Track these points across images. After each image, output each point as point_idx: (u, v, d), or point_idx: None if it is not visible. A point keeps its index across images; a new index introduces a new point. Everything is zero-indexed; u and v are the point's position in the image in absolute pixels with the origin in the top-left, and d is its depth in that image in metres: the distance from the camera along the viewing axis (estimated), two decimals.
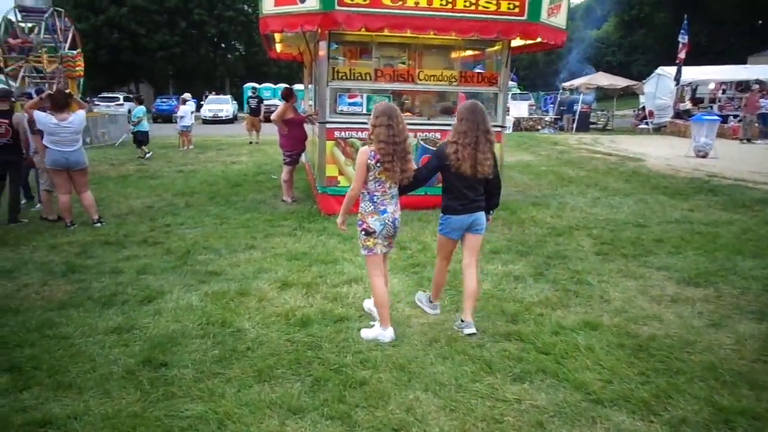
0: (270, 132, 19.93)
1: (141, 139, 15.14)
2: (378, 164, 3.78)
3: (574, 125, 25.62)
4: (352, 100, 7.87)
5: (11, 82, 18.87)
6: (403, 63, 9.63)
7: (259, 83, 44.34)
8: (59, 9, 20.63)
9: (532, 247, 6.37)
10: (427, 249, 6.26)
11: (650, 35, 48.11)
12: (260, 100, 20.24)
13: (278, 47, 11.55)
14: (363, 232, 3.95)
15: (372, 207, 3.90)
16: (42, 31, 18.94)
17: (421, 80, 7.99)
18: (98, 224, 7.41)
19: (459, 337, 4.00)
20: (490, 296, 4.85)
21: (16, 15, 19.42)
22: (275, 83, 45.05)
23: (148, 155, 14.98)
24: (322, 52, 7.60)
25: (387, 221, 3.92)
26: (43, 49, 18.80)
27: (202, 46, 49.92)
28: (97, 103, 34.09)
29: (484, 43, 8.44)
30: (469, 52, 9.53)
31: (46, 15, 19.02)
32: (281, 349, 3.80)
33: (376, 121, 3.81)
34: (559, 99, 29.03)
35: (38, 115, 7.02)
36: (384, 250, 4.01)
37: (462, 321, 4.09)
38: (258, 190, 10.15)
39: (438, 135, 8.08)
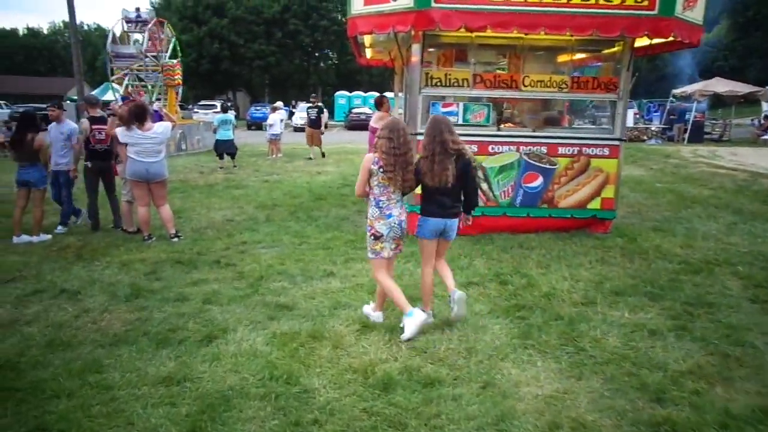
0: (325, 142, 19.51)
1: (217, 148, 14.74)
2: (380, 170, 4.08)
3: (686, 135, 23.34)
4: (446, 110, 7.02)
5: (116, 87, 19.78)
6: (502, 69, 8.70)
7: (350, 91, 44.73)
8: (162, 20, 21.42)
9: (664, 288, 5.21)
10: (533, 285, 5.28)
11: None
12: (321, 111, 17.25)
13: (368, 53, 10.91)
14: (372, 237, 4.22)
15: (378, 212, 4.17)
16: (145, 41, 19.67)
17: (526, 87, 7.00)
18: (175, 239, 7.03)
19: (588, 423, 3.03)
20: (621, 357, 3.81)
21: (123, 26, 20.36)
22: (366, 91, 45.18)
23: (220, 168, 14.40)
24: (415, 56, 6.81)
25: (393, 224, 4.18)
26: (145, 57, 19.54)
27: (296, 55, 51.06)
28: (196, 110, 35.54)
29: (601, 43, 7.31)
30: (581, 55, 8.38)
31: (150, 25, 19.74)
32: (356, 425, 3.00)
33: (380, 133, 4.13)
34: (668, 107, 26.63)
35: (119, 131, 6.77)
36: (391, 254, 4.27)
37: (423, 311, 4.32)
38: (342, 204, 9.52)
39: (544, 149, 7.06)
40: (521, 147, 7.02)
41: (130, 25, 20.30)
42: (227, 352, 3.84)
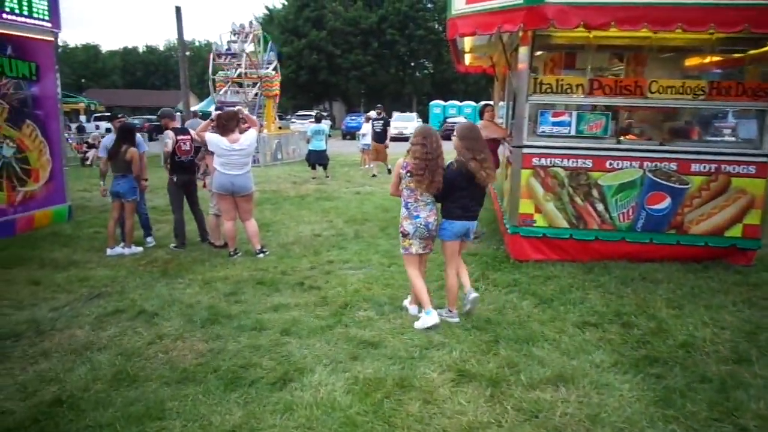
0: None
1: (309, 158, 14.65)
2: (408, 174, 4.43)
3: None
4: (557, 119, 6.22)
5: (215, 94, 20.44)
6: (616, 74, 7.78)
7: (445, 101, 44.15)
8: (266, 36, 21.95)
9: None
10: (665, 330, 4.37)
11: None
12: (387, 123, 15.25)
13: (467, 59, 10.27)
14: (400, 234, 4.61)
15: (406, 212, 4.53)
16: (246, 47, 20.23)
17: (653, 93, 6.04)
18: (260, 254, 6.74)
19: None
20: None
21: (214, 59, 20.98)
22: (461, 101, 44.45)
23: (313, 178, 14.33)
24: (523, 60, 6.08)
25: (419, 225, 4.48)
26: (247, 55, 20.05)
27: (392, 64, 51.21)
28: (293, 120, 36.42)
29: (748, 41, 6.21)
30: (717, 57, 7.23)
31: (243, 58, 20.20)
32: None
33: (414, 140, 4.43)
34: None
35: (210, 137, 6.55)
36: (420, 251, 4.58)
37: (468, 291, 4.65)
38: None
39: (674, 165, 6.06)
40: (645, 163, 6.06)
41: (220, 58, 20.91)
42: (302, 400, 3.33)
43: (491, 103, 8.43)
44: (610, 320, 4.62)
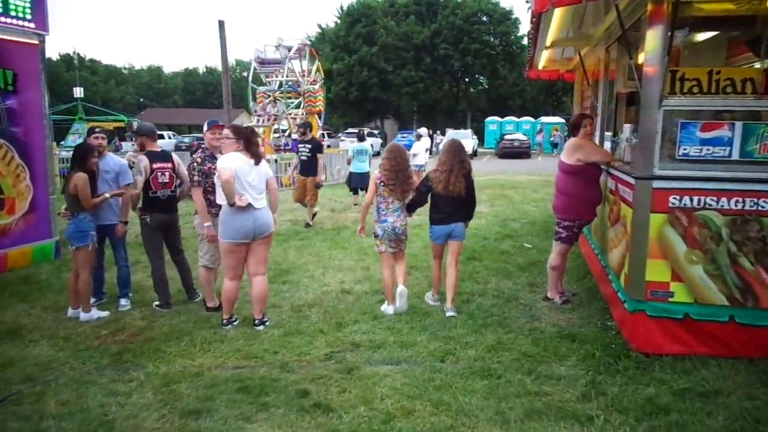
0: (476, 171, 16.25)
1: (351, 181, 12.63)
2: (382, 184, 5.08)
3: None
4: (710, 134, 3.98)
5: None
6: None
7: (502, 117, 41.93)
8: (306, 43, 20.54)
9: None
10: None
11: None
12: (317, 148, 9.78)
13: (543, 58, 8.13)
14: (374, 235, 5.26)
15: (377, 217, 5.19)
16: (285, 73, 18.86)
17: None
18: (259, 327, 4.81)
19: None
20: None
21: (255, 68, 19.80)
22: (519, 116, 42.16)
23: (354, 204, 12.04)
24: (654, 44, 3.92)
25: (387, 228, 5.11)
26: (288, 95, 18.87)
27: (445, 80, 49.35)
28: (342, 138, 34.90)
29: None
30: None
31: (286, 64, 18.92)
32: None
33: (384, 155, 5.16)
34: None
35: (223, 162, 4.69)
36: (391, 250, 5.19)
37: (446, 308, 5.11)
38: (504, 269, 6.72)
39: None
40: None
41: (264, 65, 19.73)
42: None
43: (585, 113, 6.20)
44: None
